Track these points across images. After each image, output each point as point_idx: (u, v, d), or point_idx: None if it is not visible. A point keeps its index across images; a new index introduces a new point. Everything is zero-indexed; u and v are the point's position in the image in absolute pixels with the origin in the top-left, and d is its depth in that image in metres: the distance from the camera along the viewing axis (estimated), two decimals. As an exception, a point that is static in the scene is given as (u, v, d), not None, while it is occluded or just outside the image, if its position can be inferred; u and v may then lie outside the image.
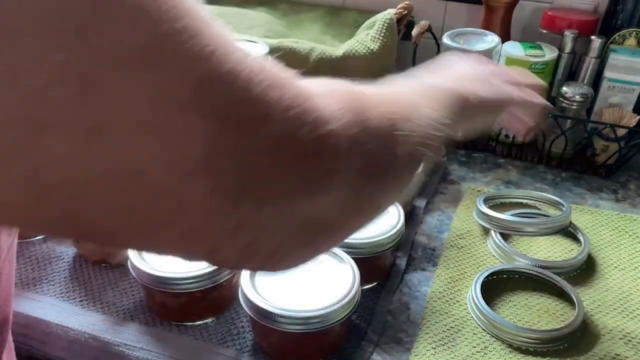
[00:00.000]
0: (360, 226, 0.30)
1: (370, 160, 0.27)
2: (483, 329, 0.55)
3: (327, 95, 0.25)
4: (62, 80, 0.17)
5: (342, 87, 0.27)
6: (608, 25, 0.87)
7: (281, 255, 0.26)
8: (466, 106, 0.37)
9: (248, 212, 0.22)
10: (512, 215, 0.68)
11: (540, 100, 0.49)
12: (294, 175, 0.23)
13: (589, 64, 0.83)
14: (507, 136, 0.85)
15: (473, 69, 0.44)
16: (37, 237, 0.64)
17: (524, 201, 0.73)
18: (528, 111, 0.49)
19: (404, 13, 0.88)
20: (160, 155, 0.19)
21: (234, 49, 0.21)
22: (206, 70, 0.20)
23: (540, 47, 0.81)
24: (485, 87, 0.42)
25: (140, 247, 0.25)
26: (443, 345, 0.53)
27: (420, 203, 0.72)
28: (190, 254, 0.24)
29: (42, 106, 0.17)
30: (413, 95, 0.34)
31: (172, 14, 0.19)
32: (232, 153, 0.21)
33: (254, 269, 0.28)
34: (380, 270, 0.60)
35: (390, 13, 0.86)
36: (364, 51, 0.83)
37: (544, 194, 0.72)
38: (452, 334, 0.54)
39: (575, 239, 0.67)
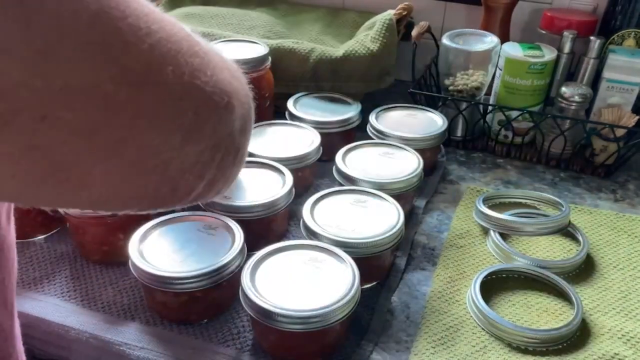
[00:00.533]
0: None
1: None
2: (482, 329, 0.55)
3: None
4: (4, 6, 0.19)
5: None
6: (607, 26, 0.87)
7: (220, 172, 0.30)
8: None
9: (190, 123, 0.25)
10: (511, 215, 0.68)
11: None
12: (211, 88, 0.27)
13: (588, 65, 0.83)
14: (506, 136, 0.85)
15: None
16: (38, 237, 0.64)
17: (523, 201, 0.73)
18: None
19: (403, 14, 0.88)
20: (106, 70, 0.22)
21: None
22: None
23: (539, 48, 0.81)
24: None
25: (101, 183, 0.25)
26: (442, 344, 0.53)
27: (420, 203, 0.73)
28: (143, 179, 0.26)
29: None
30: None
31: None
32: (167, 65, 0.24)
33: (184, 196, 0.29)
34: (379, 269, 0.60)
35: (389, 14, 0.86)
36: (364, 52, 0.83)
37: (543, 193, 0.72)
38: (451, 334, 0.55)
39: (574, 238, 0.68)
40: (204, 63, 0.26)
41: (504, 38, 0.88)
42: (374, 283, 0.60)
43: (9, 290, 0.38)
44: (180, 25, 0.27)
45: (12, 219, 0.38)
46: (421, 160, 0.70)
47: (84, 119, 0.22)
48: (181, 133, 0.25)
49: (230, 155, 0.30)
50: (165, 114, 0.24)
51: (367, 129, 0.79)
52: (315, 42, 0.94)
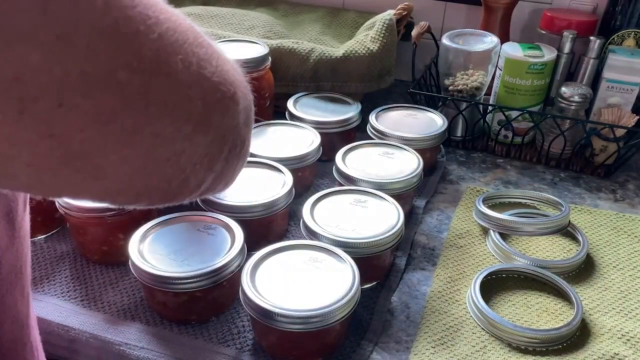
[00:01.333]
0: None
1: None
2: (482, 329, 0.55)
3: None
4: None
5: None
6: (607, 26, 0.87)
7: (228, 164, 0.30)
8: None
9: (199, 113, 0.26)
10: (511, 215, 0.68)
11: None
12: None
13: (588, 65, 0.83)
14: (506, 136, 0.85)
15: None
16: (38, 237, 0.64)
17: (523, 201, 0.73)
18: None
19: (403, 14, 0.88)
20: (120, 57, 0.22)
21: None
22: None
23: (539, 48, 0.81)
24: None
25: (115, 173, 0.25)
26: (442, 344, 0.53)
27: (420, 203, 0.73)
28: (156, 169, 0.26)
29: (12, 16, 0.19)
30: None
31: None
32: (175, 54, 0.24)
33: (195, 189, 0.30)
34: (379, 269, 0.60)
35: (389, 14, 0.86)
36: (364, 52, 0.83)
37: (542, 193, 0.72)
38: (451, 334, 0.55)
39: (574, 238, 0.68)
40: (209, 53, 0.27)
41: (504, 38, 0.88)
42: (374, 283, 0.60)
43: (26, 278, 0.38)
44: (184, 17, 0.27)
45: (28, 207, 0.37)
46: (421, 160, 0.70)
47: (100, 106, 0.22)
48: (192, 122, 0.26)
49: (237, 147, 0.30)
50: (176, 103, 0.25)
51: (367, 129, 0.79)
52: (315, 42, 0.94)
